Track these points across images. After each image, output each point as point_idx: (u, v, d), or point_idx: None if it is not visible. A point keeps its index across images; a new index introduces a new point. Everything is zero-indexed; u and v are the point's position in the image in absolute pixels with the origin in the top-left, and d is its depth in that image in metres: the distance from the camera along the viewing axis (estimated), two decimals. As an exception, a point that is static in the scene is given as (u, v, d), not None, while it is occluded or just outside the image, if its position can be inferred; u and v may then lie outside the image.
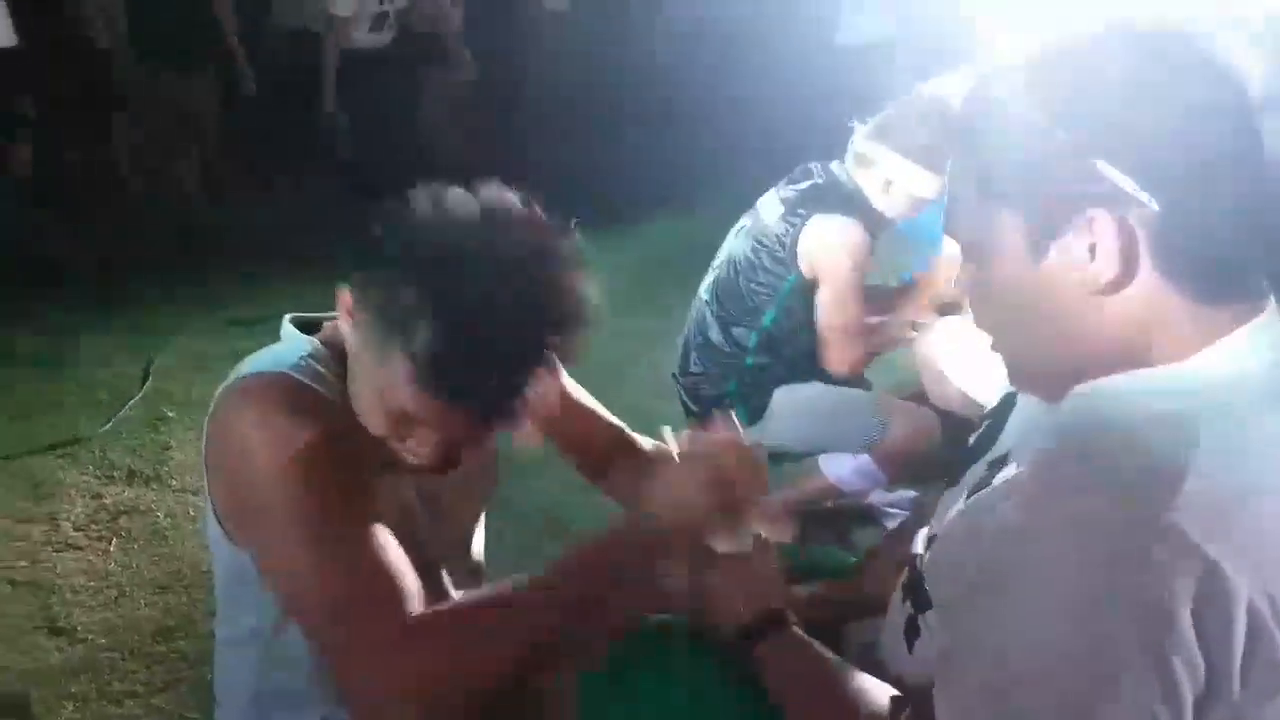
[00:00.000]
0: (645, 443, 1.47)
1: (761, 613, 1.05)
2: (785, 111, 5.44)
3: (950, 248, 2.56)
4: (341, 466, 1.03)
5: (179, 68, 4.65)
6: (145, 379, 3.35)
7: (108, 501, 2.70)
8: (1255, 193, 0.72)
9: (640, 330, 3.96)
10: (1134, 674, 0.68)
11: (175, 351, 3.59)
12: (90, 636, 2.22)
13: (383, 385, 1.02)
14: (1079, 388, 0.80)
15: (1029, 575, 0.72)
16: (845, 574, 1.31)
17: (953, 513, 0.90)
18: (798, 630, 1.04)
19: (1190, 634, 0.67)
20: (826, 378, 2.46)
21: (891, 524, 2.55)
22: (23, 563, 2.44)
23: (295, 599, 1.04)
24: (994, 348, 0.88)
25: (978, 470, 0.92)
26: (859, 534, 2.61)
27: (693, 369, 2.53)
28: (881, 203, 2.25)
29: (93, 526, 2.59)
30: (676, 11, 6.70)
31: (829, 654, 1.00)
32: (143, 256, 4.40)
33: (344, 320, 1.07)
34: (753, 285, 2.37)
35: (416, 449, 1.08)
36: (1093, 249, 0.75)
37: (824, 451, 2.49)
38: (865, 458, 2.41)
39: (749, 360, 2.43)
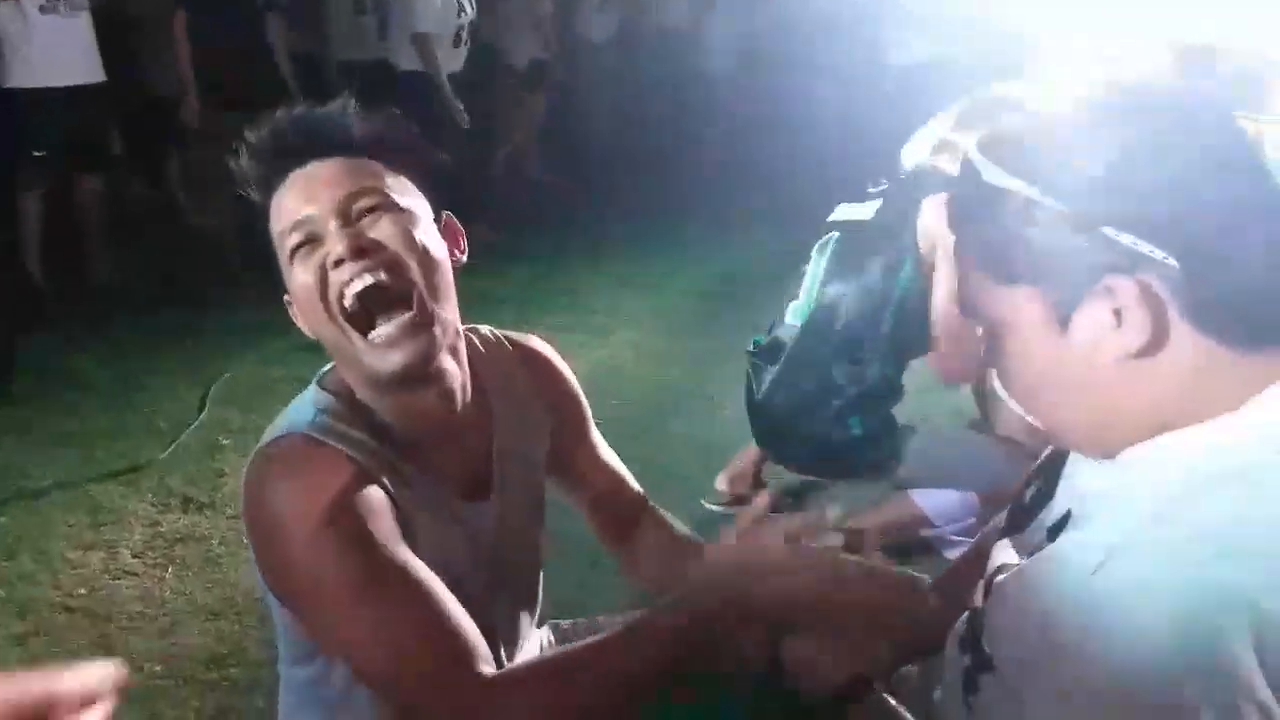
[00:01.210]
0: (669, 519, 1.41)
1: (851, 676, 1.00)
2: (839, 131, 5.41)
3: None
4: (376, 520, 1.01)
5: (239, 108, 4.76)
6: (202, 407, 3.40)
7: (164, 529, 2.73)
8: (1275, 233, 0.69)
9: (699, 354, 3.93)
10: None
11: (235, 380, 3.63)
12: (145, 664, 2.22)
13: (300, 294, 1.08)
14: (1136, 449, 0.77)
15: (1094, 643, 0.69)
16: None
17: (1010, 571, 0.86)
18: (887, 696, 1.00)
19: (1261, 687, 0.64)
20: None
21: (952, 552, 2.46)
22: (81, 590, 2.47)
23: (363, 666, 1.01)
24: (1032, 415, 0.84)
25: (1036, 532, 0.88)
26: (917, 562, 2.53)
27: (792, 403, 2.40)
28: None
29: (149, 554, 2.62)
30: (727, 36, 6.72)
31: None
32: (204, 287, 4.48)
33: (300, 321, 1.13)
34: (860, 290, 2.30)
35: (332, 254, 1.05)
36: (1118, 315, 0.71)
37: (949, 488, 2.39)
38: (971, 494, 2.32)
39: (873, 373, 2.32)
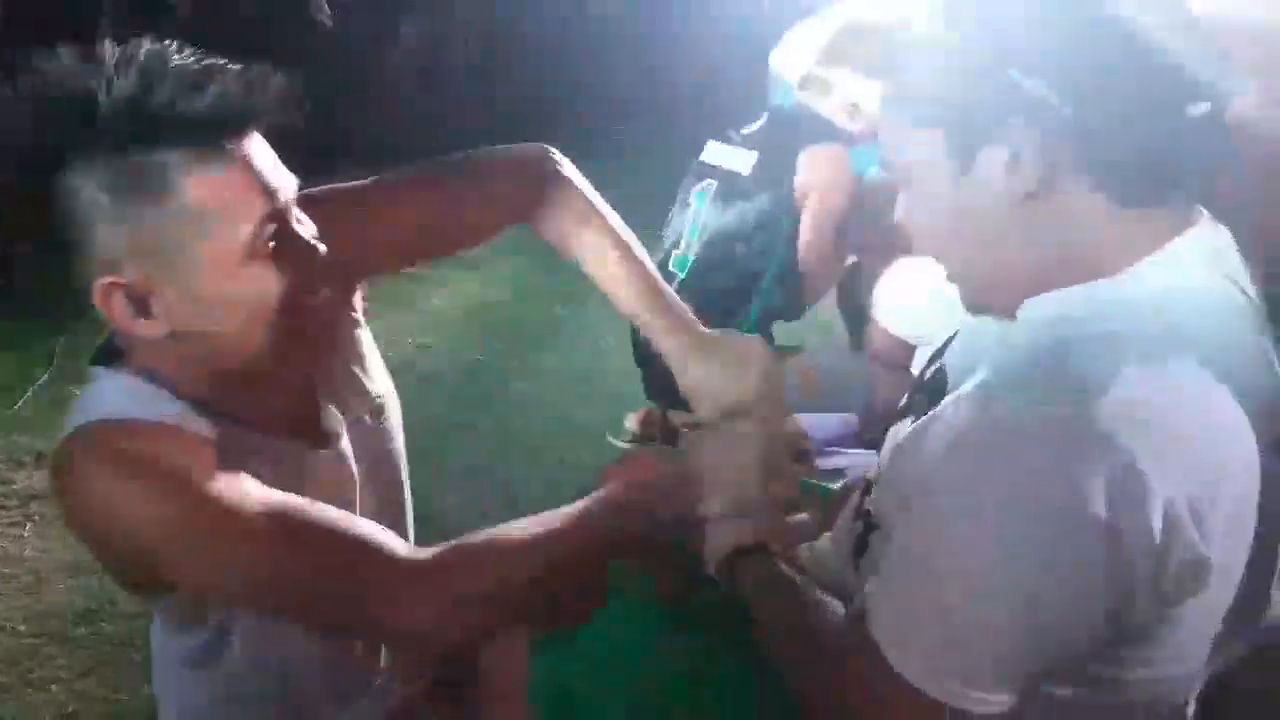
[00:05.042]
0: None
1: (735, 548, 1.04)
2: (704, 65, 5.42)
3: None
4: (231, 474, 0.93)
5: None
6: (51, 360, 3.22)
7: (18, 486, 2.59)
8: (1161, 99, 0.75)
9: (571, 289, 3.93)
10: (1054, 578, 0.71)
11: (82, 331, 3.45)
12: (9, 625, 2.13)
13: (200, 288, 0.91)
14: (1026, 310, 0.82)
15: (957, 487, 0.75)
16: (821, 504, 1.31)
17: (897, 436, 0.92)
18: (779, 563, 1.03)
19: (1106, 534, 0.69)
20: None
21: (826, 462, 2.56)
22: (-68, 553, 2.33)
23: (287, 606, 0.97)
24: (943, 269, 0.89)
25: (919, 400, 0.94)
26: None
27: None
28: (849, 126, 2.22)
29: (3, 513, 2.49)
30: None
31: (812, 587, 1.00)
32: (41, 240, 4.20)
33: (122, 315, 0.93)
34: (741, 244, 2.26)
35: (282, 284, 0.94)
36: (1015, 158, 0.76)
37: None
38: (852, 417, 2.41)
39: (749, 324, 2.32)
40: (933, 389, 0.91)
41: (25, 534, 2.41)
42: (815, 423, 2.52)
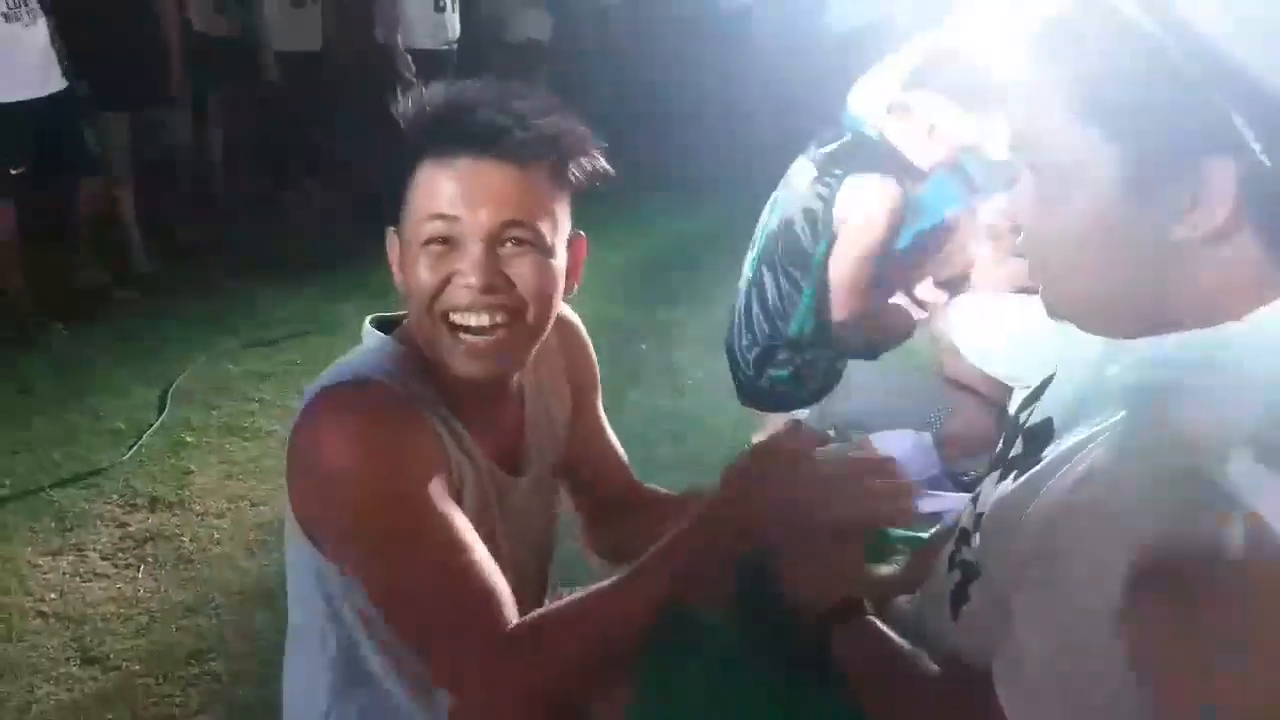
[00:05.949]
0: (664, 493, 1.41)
1: (840, 599, 1.02)
2: (778, 101, 5.44)
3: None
4: (437, 479, 1.03)
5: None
6: (163, 406, 3.36)
7: (132, 529, 2.70)
8: None
9: (664, 324, 3.97)
10: None
11: (192, 377, 3.59)
12: (124, 664, 2.22)
13: (414, 285, 1.06)
14: (1135, 353, 0.78)
15: (1081, 546, 0.71)
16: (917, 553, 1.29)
17: (1003, 489, 0.87)
18: (874, 619, 1.01)
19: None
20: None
21: (923, 503, 2.51)
22: (52, 594, 2.44)
23: (394, 609, 1.03)
24: (1040, 277, 0.82)
25: (1019, 444, 0.90)
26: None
27: (741, 348, 2.49)
28: (921, 151, 2.21)
29: (119, 555, 2.60)
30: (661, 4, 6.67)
31: (905, 643, 0.97)
32: (150, 283, 4.37)
33: (393, 258, 1.11)
34: (790, 259, 2.33)
35: (465, 276, 1.04)
36: (1194, 196, 0.69)
37: (884, 428, 2.46)
38: (926, 436, 2.38)
39: (795, 330, 2.40)
40: (1036, 437, 0.86)
41: (139, 576, 2.51)
42: (893, 444, 2.47)
